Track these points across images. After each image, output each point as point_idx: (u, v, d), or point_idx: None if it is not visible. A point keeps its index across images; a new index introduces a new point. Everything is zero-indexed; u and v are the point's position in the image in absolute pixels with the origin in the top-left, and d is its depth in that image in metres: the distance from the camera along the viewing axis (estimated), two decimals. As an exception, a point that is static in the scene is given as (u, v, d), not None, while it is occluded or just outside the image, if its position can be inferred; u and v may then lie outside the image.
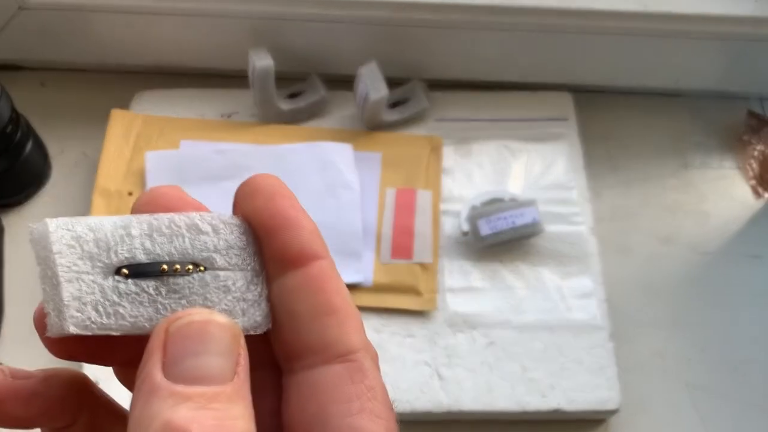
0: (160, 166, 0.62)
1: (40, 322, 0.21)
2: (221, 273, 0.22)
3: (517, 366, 0.56)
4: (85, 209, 0.62)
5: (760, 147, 0.67)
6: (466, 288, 0.59)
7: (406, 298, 0.58)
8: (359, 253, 0.59)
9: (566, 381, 0.55)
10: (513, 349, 0.57)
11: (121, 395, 0.25)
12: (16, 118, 0.59)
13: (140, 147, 0.63)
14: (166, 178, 0.61)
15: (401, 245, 0.60)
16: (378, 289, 0.58)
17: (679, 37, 0.65)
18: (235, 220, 0.23)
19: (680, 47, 0.66)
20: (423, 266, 0.59)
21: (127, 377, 0.24)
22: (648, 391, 0.58)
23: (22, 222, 0.62)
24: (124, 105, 0.66)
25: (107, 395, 0.25)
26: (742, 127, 0.69)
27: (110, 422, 0.24)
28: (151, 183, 0.61)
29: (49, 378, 0.23)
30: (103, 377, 0.27)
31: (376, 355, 0.22)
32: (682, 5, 0.63)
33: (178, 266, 0.21)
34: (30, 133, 0.62)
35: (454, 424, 0.56)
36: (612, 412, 0.55)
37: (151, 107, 0.66)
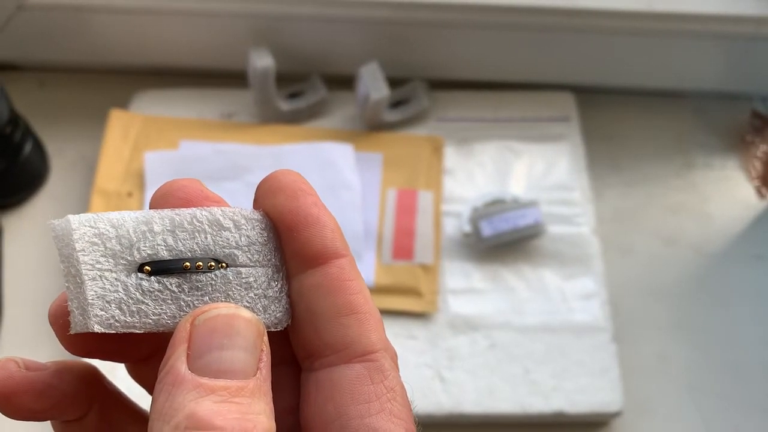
0: (160, 166, 0.62)
1: (57, 318, 0.22)
2: (243, 270, 0.22)
3: (518, 368, 0.56)
4: (83, 210, 0.61)
5: (763, 147, 0.67)
6: (467, 289, 0.59)
7: (407, 300, 0.58)
8: (360, 254, 0.59)
9: (568, 383, 0.55)
10: (515, 350, 0.56)
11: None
12: (15, 118, 0.59)
13: (139, 147, 0.63)
14: (166, 179, 0.60)
15: (402, 246, 0.60)
16: (379, 290, 0.58)
17: (682, 37, 0.65)
18: (257, 215, 0.23)
19: (683, 47, 0.66)
20: (424, 267, 0.59)
21: (140, 374, 0.25)
22: (651, 393, 0.57)
23: (21, 222, 0.62)
24: (123, 105, 0.66)
25: (118, 388, 0.25)
26: (745, 127, 0.69)
27: (121, 415, 0.24)
28: (151, 183, 0.61)
29: (61, 370, 0.23)
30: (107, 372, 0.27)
31: (396, 355, 0.23)
32: (685, 4, 0.63)
33: (200, 263, 0.22)
34: (29, 133, 0.62)
35: (455, 426, 0.56)
36: (614, 415, 0.55)
37: (151, 107, 0.66)
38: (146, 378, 0.24)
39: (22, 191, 0.63)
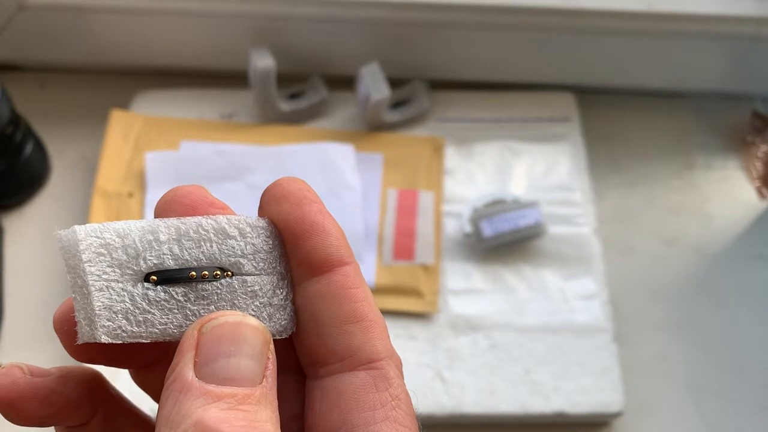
0: (160, 167, 0.61)
1: (62, 325, 0.22)
2: (249, 278, 0.22)
3: (519, 368, 0.56)
4: (84, 210, 0.61)
5: (764, 148, 0.67)
6: (468, 290, 0.59)
7: (407, 300, 0.58)
8: (361, 255, 0.59)
9: (569, 383, 0.55)
10: (515, 351, 0.56)
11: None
12: (16, 119, 0.59)
13: (140, 148, 0.63)
14: (166, 179, 0.61)
15: (403, 246, 0.60)
16: (379, 290, 0.58)
17: (682, 37, 0.65)
18: (262, 223, 0.23)
19: (683, 47, 0.66)
20: (425, 268, 0.59)
21: (144, 380, 0.25)
22: (651, 394, 0.57)
23: (22, 223, 0.62)
24: (124, 105, 0.66)
25: (122, 394, 0.25)
26: (746, 127, 0.69)
27: (124, 421, 0.24)
28: (151, 184, 0.61)
29: (65, 376, 0.23)
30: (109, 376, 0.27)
31: (401, 362, 0.23)
32: (686, 5, 0.63)
33: (206, 272, 0.22)
34: (30, 134, 0.62)
35: (456, 427, 0.56)
36: (615, 415, 0.55)
37: (151, 107, 0.66)
38: (150, 384, 0.24)
39: (23, 192, 0.63)
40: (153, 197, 0.60)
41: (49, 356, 0.55)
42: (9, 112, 0.58)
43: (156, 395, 0.24)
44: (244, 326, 0.20)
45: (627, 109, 0.70)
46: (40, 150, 0.64)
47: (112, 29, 0.65)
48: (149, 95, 0.67)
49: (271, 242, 0.23)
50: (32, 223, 0.62)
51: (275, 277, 0.23)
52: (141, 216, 0.60)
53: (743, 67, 0.67)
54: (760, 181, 0.67)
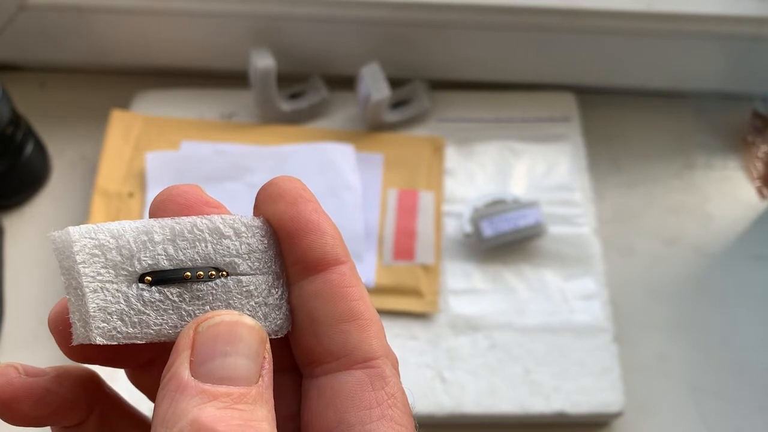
0: (161, 166, 0.62)
1: (57, 325, 0.22)
2: (244, 278, 0.22)
3: (519, 368, 0.56)
4: (85, 210, 0.62)
5: (764, 148, 0.67)
6: (468, 290, 0.59)
7: (408, 300, 0.58)
8: (361, 255, 0.59)
9: (569, 383, 0.55)
10: (515, 351, 0.56)
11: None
12: (16, 119, 0.59)
13: (140, 148, 0.63)
14: (166, 179, 0.61)
15: (403, 247, 0.60)
16: (380, 290, 0.58)
17: (682, 37, 0.65)
18: (257, 222, 0.23)
19: (683, 47, 0.66)
20: (425, 268, 0.59)
21: (140, 379, 0.24)
22: (652, 394, 0.57)
23: (22, 223, 0.62)
24: (125, 105, 0.66)
25: (118, 394, 0.25)
26: (746, 127, 0.69)
27: (121, 421, 0.24)
28: (152, 184, 0.61)
29: (61, 376, 0.23)
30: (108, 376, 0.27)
31: (397, 361, 0.23)
32: (686, 5, 0.63)
33: (201, 272, 0.22)
34: (30, 134, 0.62)
35: (456, 427, 0.56)
36: (615, 415, 0.55)
37: (152, 107, 0.66)
38: (146, 384, 0.24)
39: (24, 192, 0.63)
40: (153, 197, 0.60)
41: (48, 356, 0.55)
42: (9, 112, 0.58)
43: (152, 395, 0.24)
44: (240, 325, 0.20)
45: (627, 109, 0.70)
46: (40, 150, 0.64)
47: (112, 29, 0.65)
48: (149, 95, 0.67)
49: (266, 241, 0.23)
50: (32, 223, 0.62)
51: (270, 276, 0.23)
52: (141, 216, 0.60)
53: (743, 67, 0.67)
54: (760, 181, 0.67)
